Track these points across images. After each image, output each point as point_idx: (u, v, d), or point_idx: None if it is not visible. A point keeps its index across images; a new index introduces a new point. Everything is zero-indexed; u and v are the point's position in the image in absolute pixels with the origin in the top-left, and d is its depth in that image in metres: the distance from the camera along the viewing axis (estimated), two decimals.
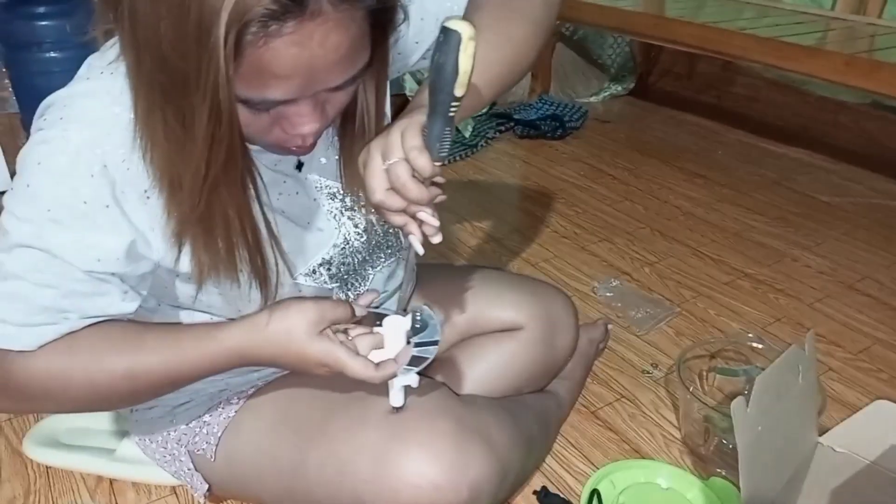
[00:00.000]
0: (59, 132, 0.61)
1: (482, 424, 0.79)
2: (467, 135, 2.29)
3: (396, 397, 0.75)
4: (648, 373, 1.25)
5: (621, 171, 2.13)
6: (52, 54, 1.91)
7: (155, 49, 0.53)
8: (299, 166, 0.76)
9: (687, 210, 1.88)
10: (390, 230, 0.87)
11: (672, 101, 2.74)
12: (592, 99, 2.74)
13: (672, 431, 1.12)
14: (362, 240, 0.83)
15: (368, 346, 0.72)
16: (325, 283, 0.81)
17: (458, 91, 0.57)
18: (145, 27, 0.53)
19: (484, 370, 0.98)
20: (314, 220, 0.78)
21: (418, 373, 0.73)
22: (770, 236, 1.75)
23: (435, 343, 0.72)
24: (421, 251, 0.66)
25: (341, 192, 0.79)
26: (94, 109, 0.62)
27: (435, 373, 0.95)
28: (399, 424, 0.75)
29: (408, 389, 0.76)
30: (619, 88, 2.79)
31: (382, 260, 0.87)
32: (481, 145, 2.27)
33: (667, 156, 2.24)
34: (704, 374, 1.21)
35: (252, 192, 0.64)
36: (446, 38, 0.55)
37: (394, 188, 0.61)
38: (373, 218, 0.82)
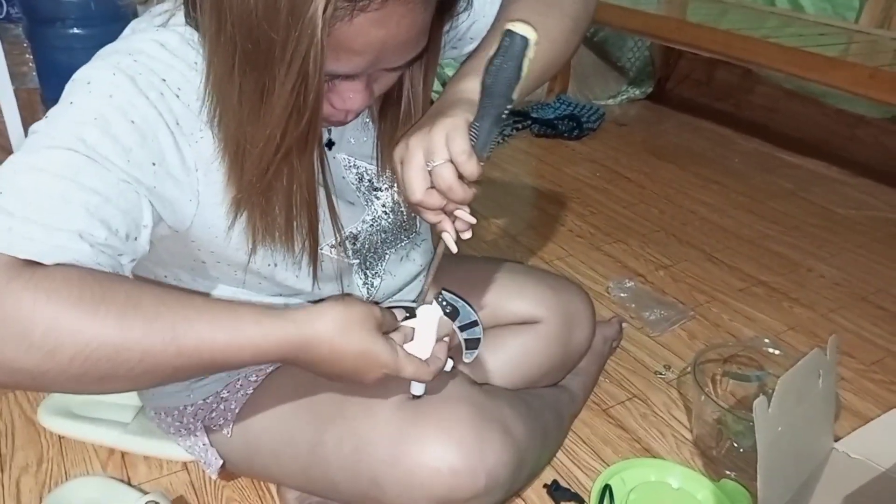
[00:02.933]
0: (115, 59, 0.58)
1: (501, 413, 0.79)
2: None
3: (417, 385, 0.75)
4: (661, 374, 1.25)
5: (637, 174, 2.13)
6: (76, 30, 1.92)
7: (241, 17, 0.52)
8: (329, 145, 0.76)
9: (702, 215, 1.88)
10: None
11: (689, 107, 2.73)
12: (610, 101, 2.73)
13: (683, 432, 1.12)
14: (389, 219, 0.83)
15: (399, 341, 0.69)
16: (349, 257, 0.81)
17: (516, 95, 0.56)
18: None
19: (501, 362, 0.98)
20: (343, 197, 0.78)
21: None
22: (785, 245, 1.74)
23: (475, 323, 0.71)
24: (455, 249, 0.64)
25: (369, 172, 0.79)
26: (150, 49, 0.60)
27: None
28: (418, 408, 0.75)
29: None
30: (637, 92, 2.79)
31: (402, 241, 0.87)
32: (498, 142, 2.27)
33: (683, 161, 2.24)
34: (717, 377, 1.20)
35: (318, 163, 0.63)
36: (511, 42, 0.54)
37: (438, 190, 0.60)
38: (399, 199, 0.82)
